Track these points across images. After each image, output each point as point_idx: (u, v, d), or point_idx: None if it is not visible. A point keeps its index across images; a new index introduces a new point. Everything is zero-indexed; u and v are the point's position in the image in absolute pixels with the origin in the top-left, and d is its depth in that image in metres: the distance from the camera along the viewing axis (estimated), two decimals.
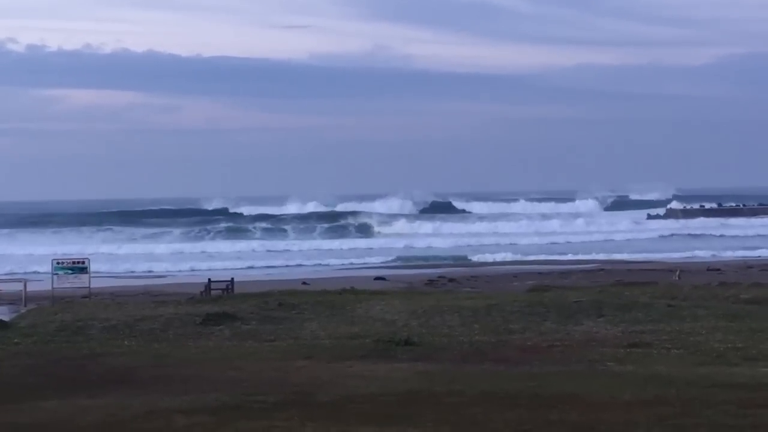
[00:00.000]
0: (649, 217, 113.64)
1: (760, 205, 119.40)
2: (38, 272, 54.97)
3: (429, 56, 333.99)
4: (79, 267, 41.24)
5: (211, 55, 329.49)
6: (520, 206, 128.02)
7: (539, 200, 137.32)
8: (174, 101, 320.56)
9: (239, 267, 63.55)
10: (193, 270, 62.44)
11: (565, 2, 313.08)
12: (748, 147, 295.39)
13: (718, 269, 53.03)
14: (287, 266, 65.41)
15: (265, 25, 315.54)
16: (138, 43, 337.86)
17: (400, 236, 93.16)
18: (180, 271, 62.95)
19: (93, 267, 42.23)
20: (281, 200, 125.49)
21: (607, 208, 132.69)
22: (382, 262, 66.63)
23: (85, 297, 39.33)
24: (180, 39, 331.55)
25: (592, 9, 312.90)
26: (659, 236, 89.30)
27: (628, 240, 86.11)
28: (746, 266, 55.40)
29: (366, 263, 66.60)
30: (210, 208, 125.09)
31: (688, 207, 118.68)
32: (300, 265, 65.92)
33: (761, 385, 15.92)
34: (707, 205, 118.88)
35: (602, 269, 56.26)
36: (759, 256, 64.84)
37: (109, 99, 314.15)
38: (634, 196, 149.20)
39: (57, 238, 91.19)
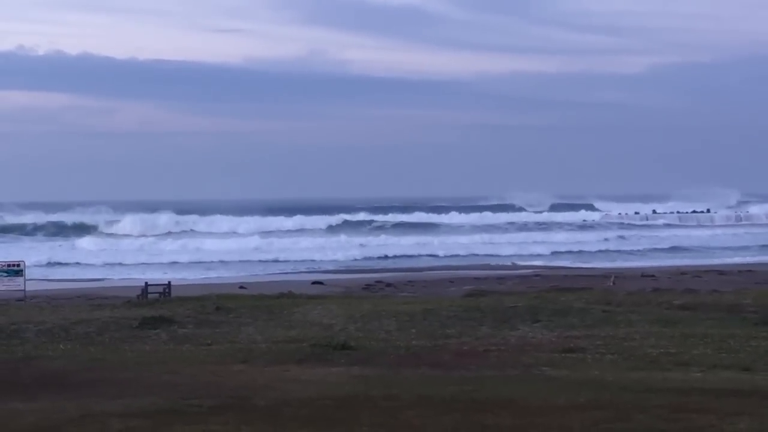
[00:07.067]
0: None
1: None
2: None
3: (364, 61, 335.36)
4: (14, 270, 40.87)
5: (146, 58, 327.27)
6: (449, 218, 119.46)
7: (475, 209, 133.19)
8: (108, 104, 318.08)
9: None
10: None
11: (498, 10, 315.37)
12: (680, 154, 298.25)
13: (652, 275, 53.56)
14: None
15: (200, 29, 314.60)
16: (72, 45, 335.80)
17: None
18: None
19: None
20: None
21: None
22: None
23: (20, 300, 39.00)
24: (115, 42, 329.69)
25: (526, 17, 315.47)
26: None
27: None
28: (680, 272, 56.01)
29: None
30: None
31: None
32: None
33: (693, 390, 16.11)
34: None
35: (538, 275, 56.56)
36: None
37: (43, 101, 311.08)
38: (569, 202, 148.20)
39: None
